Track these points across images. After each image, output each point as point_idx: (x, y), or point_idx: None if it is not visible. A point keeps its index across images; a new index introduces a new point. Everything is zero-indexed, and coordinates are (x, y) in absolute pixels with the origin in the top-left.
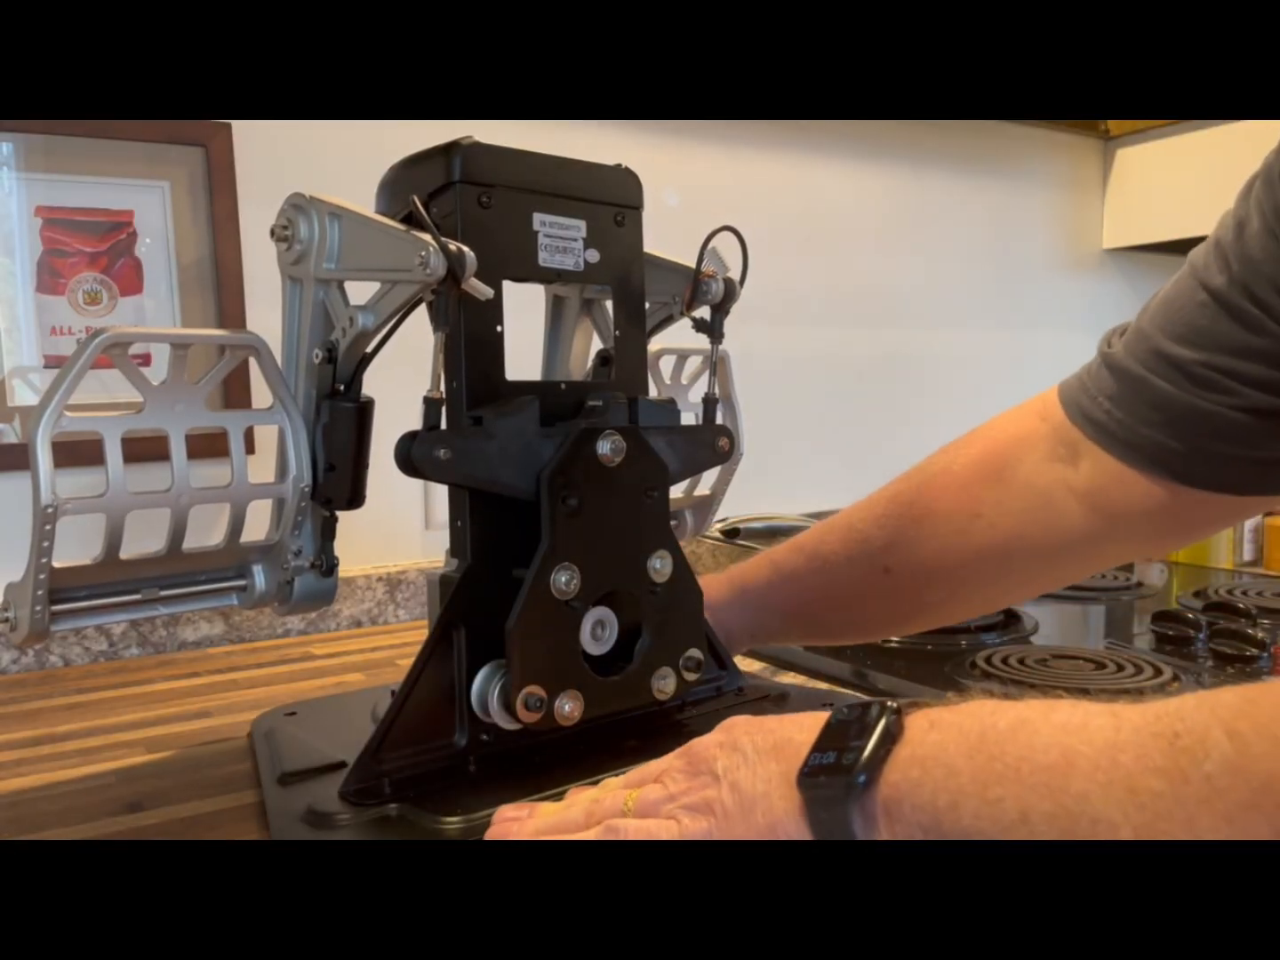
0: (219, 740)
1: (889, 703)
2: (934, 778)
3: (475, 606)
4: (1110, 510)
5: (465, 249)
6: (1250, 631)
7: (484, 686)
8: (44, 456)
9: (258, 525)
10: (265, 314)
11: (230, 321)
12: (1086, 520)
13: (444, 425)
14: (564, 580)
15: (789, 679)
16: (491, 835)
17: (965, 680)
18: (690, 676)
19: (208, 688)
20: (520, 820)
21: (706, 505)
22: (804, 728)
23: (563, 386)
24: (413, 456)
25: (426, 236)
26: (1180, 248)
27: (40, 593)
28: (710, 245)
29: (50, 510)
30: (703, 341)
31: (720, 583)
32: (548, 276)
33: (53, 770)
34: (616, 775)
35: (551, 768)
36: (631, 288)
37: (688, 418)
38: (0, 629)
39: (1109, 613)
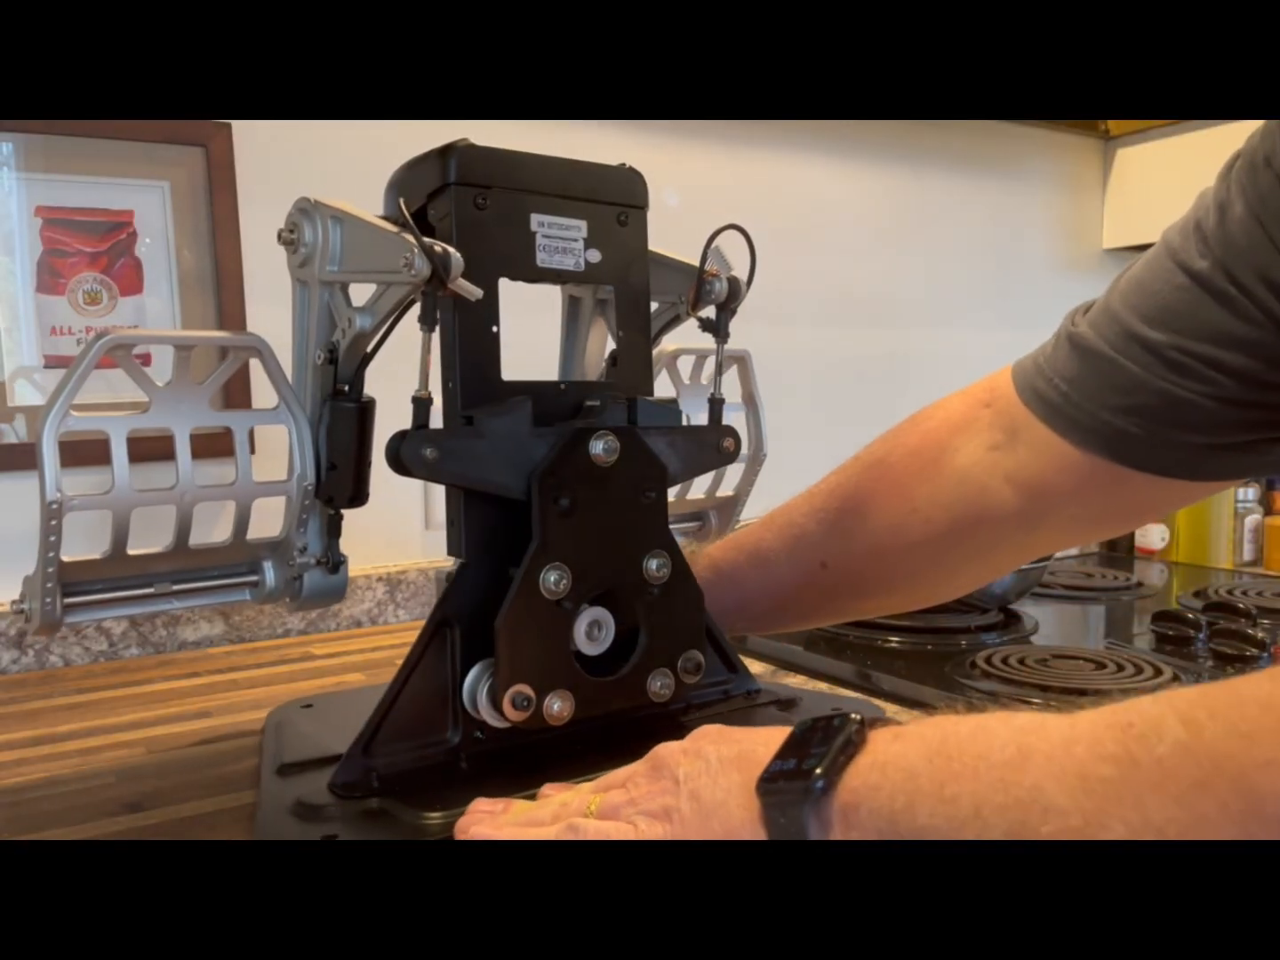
0: (219, 740)
1: (853, 714)
2: (892, 781)
3: (468, 604)
4: (1047, 495)
5: (451, 250)
6: (1250, 631)
7: (474, 684)
8: (50, 454)
9: (274, 523)
10: (265, 314)
11: (230, 321)
12: (1020, 506)
13: (442, 424)
14: (554, 580)
15: (792, 680)
16: (462, 825)
17: (965, 680)
18: (689, 679)
19: (208, 688)
20: (493, 814)
21: (731, 505)
22: (769, 741)
23: (562, 386)
24: (400, 455)
25: (410, 238)
26: None
27: (50, 585)
28: (714, 244)
29: (55, 506)
30: (754, 340)
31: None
32: (547, 277)
33: (53, 770)
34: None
35: (544, 767)
36: (634, 287)
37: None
38: (16, 619)
39: (1109, 613)
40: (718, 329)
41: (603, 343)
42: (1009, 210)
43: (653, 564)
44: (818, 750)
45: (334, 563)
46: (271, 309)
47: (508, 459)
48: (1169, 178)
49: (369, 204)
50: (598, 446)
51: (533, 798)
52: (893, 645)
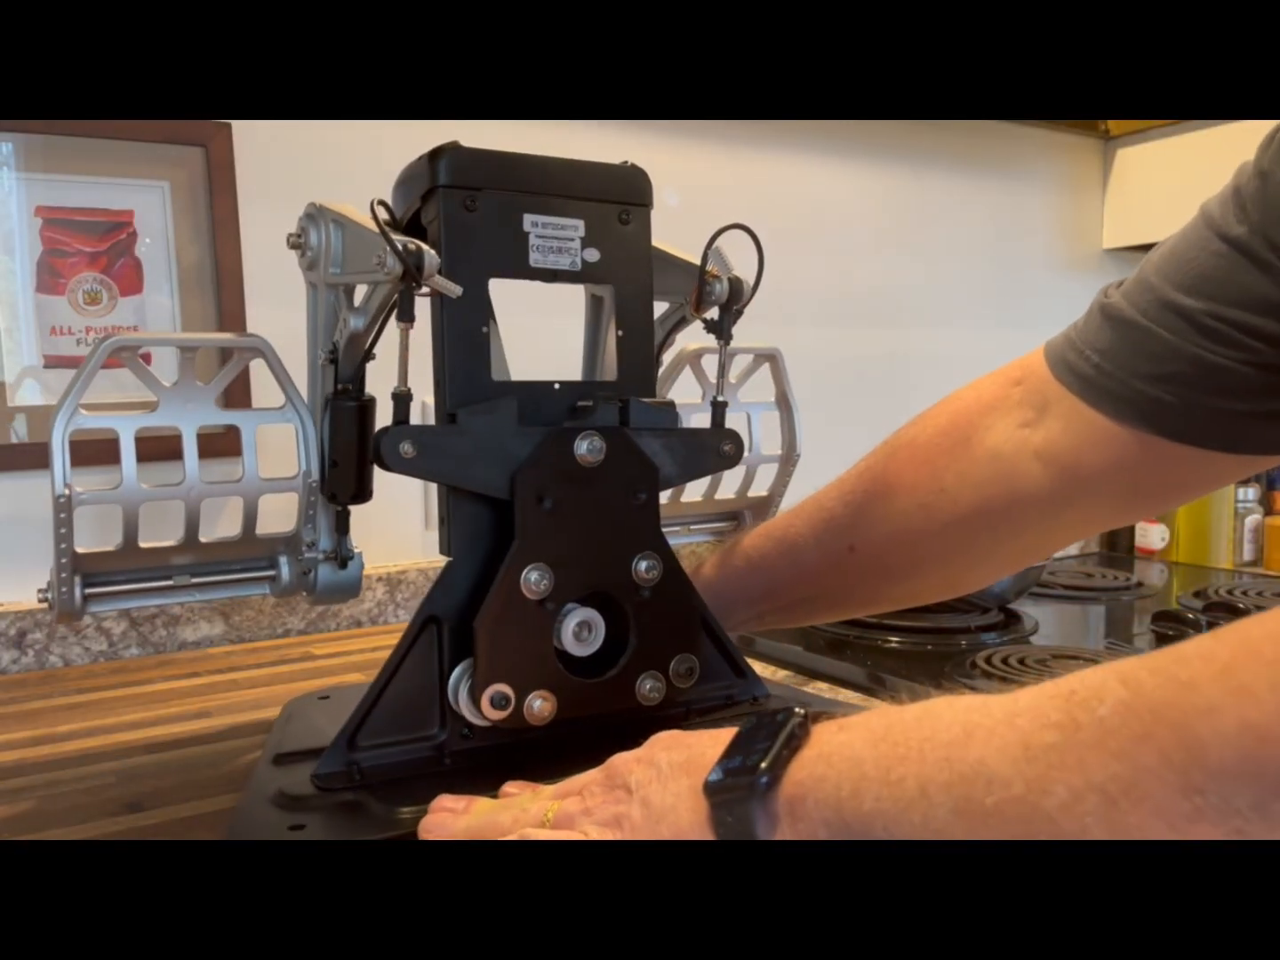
0: (219, 740)
1: (796, 709)
2: (838, 770)
3: (455, 602)
4: (1078, 472)
5: (424, 248)
6: None
7: (457, 682)
8: (59, 450)
9: (290, 520)
10: (265, 314)
11: (230, 321)
12: (1051, 483)
13: (430, 421)
14: (535, 579)
15: (792, 680)
16: (424, 823)
17: (965, 680)
18: (682, 683)
19: (208, 688)
20: (455, 813)
21: (765, 506)
22: (719, 742)
23: (556, 386)
24: (380, 450)
25: (384, 237)
26: None
27: (64, 575)
28: (715, 245)
29: (63, 499)
30: (753, 339)
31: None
32: (540, 276)
33: (53, 770)
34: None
35: (529, 767)
36: (636, 287)
37: (738, 419)
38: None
39: (1109, 613)
40: (720, 330)
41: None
42: (1009, 210)
43: (642, 565)
44: (761, 746)
45: (343, 558)
46: (271, 309)
47: (491, 457)
48: (1169, 178)
49: (367, 203)
50: (582, 446)
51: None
52: (893, 645)
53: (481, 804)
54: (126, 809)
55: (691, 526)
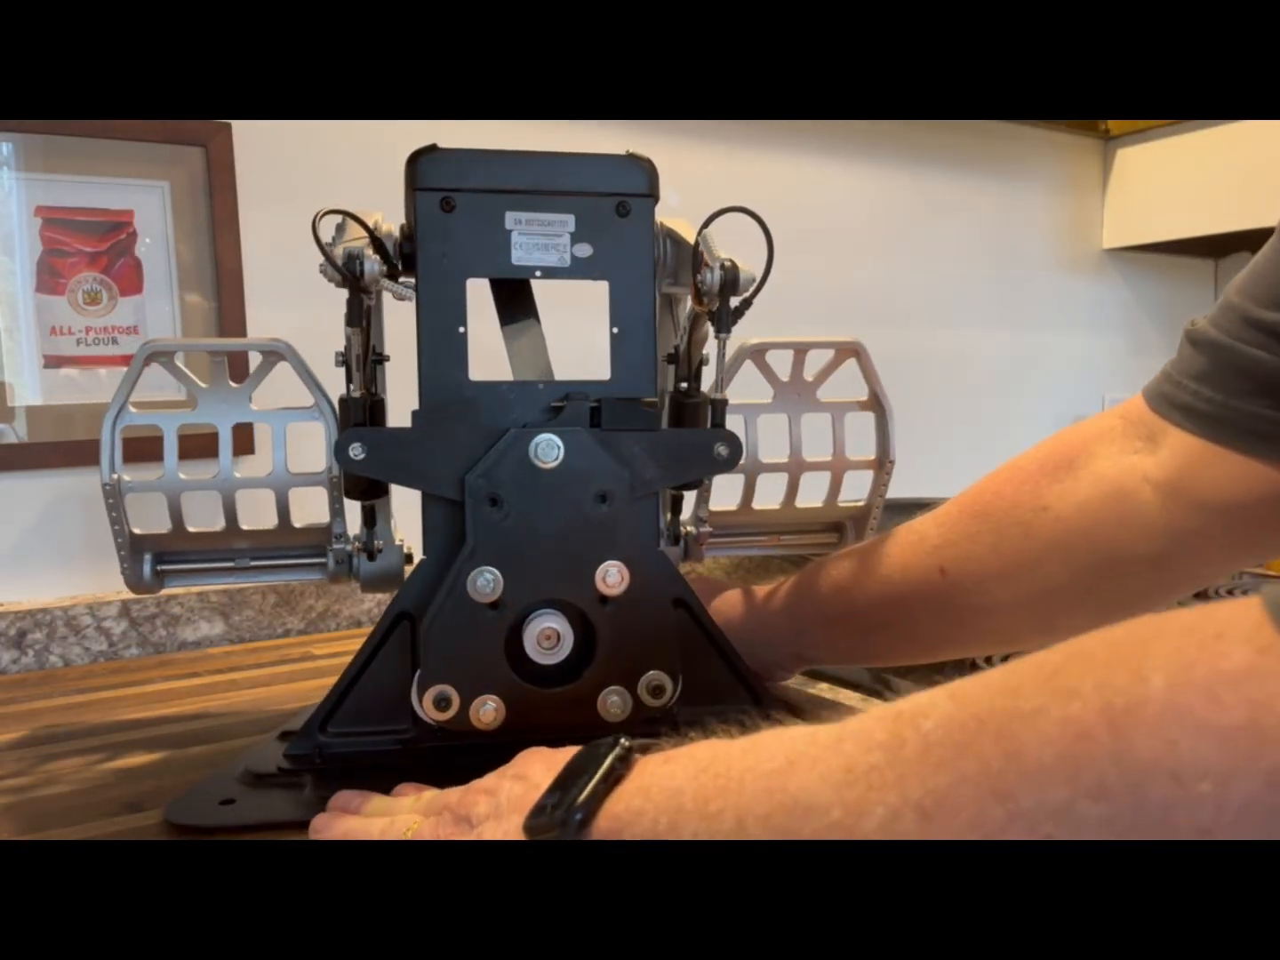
0: (219, 740)
1: (623, 740)
2: (655, 803)
3: (425, 600)
4: (1194, 497)
5: (367, 256)
6: None
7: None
8: (108, 444)
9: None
10: (265, 314)
11: (230, 321)
12: (1166, 512)
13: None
14: (483, 583)
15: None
16: (315, 820)
17: None
18: (652, 701)
19: (208, 688)
20: (343, 814)
21: (862, 517)
22: (555, 769)
23: (541, 386)
24: (335, 453)
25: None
26: (1180, 248)
27: (124, 554)
28: (704, 231)
29: (109, 487)
30: (807, 328)
31: (764, 593)
32: (524, 274)
33: (53, 770)
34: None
35: (483, 772)
36: (635, 282)
37: (820, 420)
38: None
39: None
40: (718, 321)
41: (667, 340)
42: (1009, 210)
43: (607, 575)
44: (582, 780)
45: (370, 550)
46: (271, 309)
47: (443, 458)
48: (1169, 178)
49: (368, 204)
50: (537, 449)
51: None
52: None
53: (373, 804)
54: (126, 809)
55: (782, 538)
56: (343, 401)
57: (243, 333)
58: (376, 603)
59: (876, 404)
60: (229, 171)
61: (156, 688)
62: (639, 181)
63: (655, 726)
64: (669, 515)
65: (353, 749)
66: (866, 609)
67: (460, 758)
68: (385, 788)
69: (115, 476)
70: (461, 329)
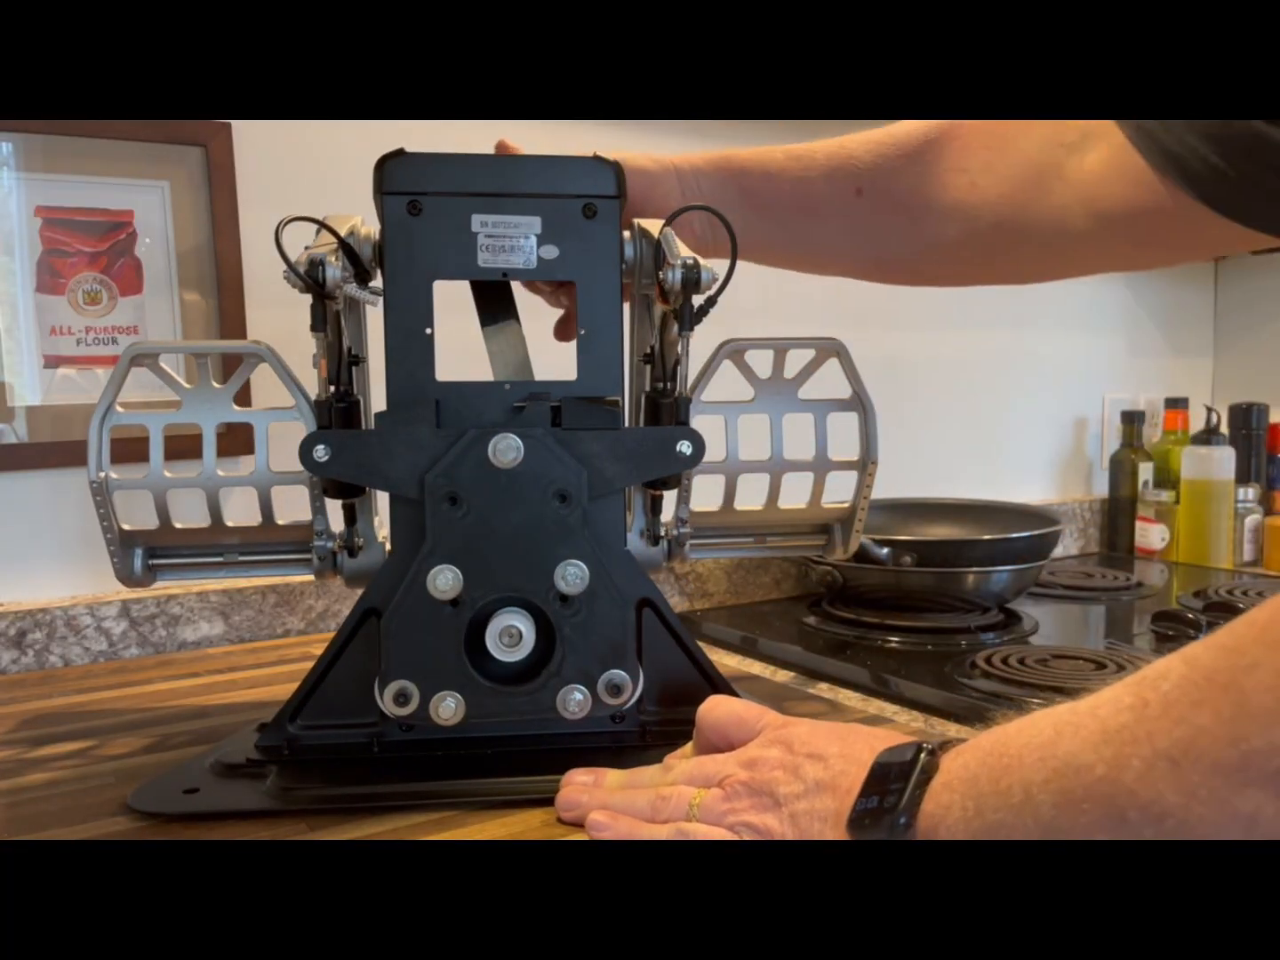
0: (219, 740)
1: (925, 744)
2: (959, 794)
3: (392, 597)
4: (1103, 205)
5: (328, 263)
6: None
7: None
8: (94, 442)
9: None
10: (265, 314)
11: (230, 321)
12: (1073, 208)
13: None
14: (442, 581)
15: (791, 679)
16: (561, 797)
17: (965, 680)
18: (610, 700)
19: (208, 688)
20: (589, 789)
21: (848, 518)
22: (855, 761)
23: (507, 387)
24: (300, 454)
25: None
26: None
27: (113, 548)
28: (666, 230)
29: (95, 485)
30: (807, 329)
31: (706, 157)
32: (490, 275)
33: (53, 770)
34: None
35: (449, 771)
36: (601, 283)
37: (802, 419)
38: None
39: (1109, 613)
40: (680, 319)
41: (638, 341)
42: None
43: (566, 574)
44: (896, 786)
45: (352, 547)
46: (271, 309)
47: (406, 459)
48: None
49: (367, 203)
50: (495, 449)
51: (422, 797)
52: (893, 645)
53: (611, 778)
54: (127, 809)
55: (768, 540)
56: (317, 403)
57: (242, 332)
58: None
59: (858, 403)
60: (229, 171)
61: (156, 688)
62: (605, 183)
63: (617, 724)
64: (649, 516)
65: (320, 741)
66: (789, 205)
67: (424, 751)
68: (347, 777)
69: (102, 475)
70: (428, 330)
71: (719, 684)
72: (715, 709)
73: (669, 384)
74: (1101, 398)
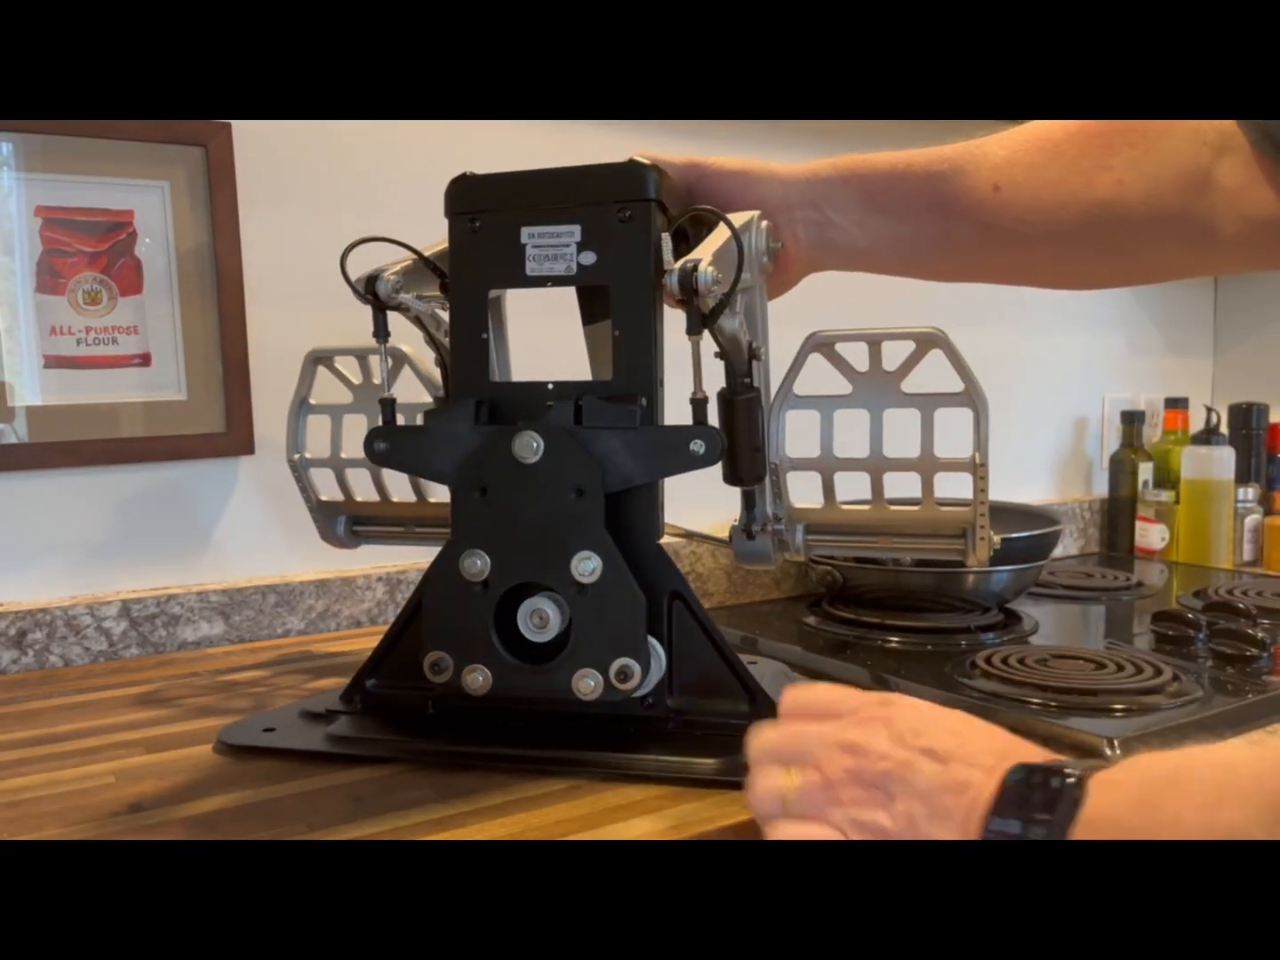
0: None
1: (1068, 771)
2: (1105, 837)
3: None
4: (1246, 208)
5: (384, 277)
6: (1250, 631)
7: None
8: (290, 429)
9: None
10: (265, 313)
11: (230, 321)
12: (1224, 215)
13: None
14: (469, 563)
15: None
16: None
17: (965, 680)
18: (621, 685)
19: (207, 688)
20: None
21: (972, 523)
22: (978, 765)
23: (550, 387)
24: (365, 448)
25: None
26: None
27: (316, 515)
28: (664, 235)
29: (293, 463)
30: (807, 329)
31: (825, 162)
32: (537, 284)
33: (53, 770)
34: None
35: (492, 737)
36: (635, 284)
37: (905, 415)
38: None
39: (1109, 612)
40: (689, 324)
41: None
42: None
43: (581, 563)
44: (1042, 816)
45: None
46: (271, 309)
47: (448, 453)
48: None
49: (368, 203)
50: (518, 444)
51: (464, 757)
52: (893, 645)
53: (765, 738)
54: (127, 809)
55: (896, 541)
56: (381, 402)
57: (242, 332)
58: (376, 602)
59: (969, 398)
60: (229, 171)
61: (156, 687)
62: (639, 187)
63: (646, 709)
64: (744, 511)
65: (386, 697)
66: (907, 196)
67: (483, 720)
68: (397, 730)
69: (296, 456)
70: (484, 335)
71: (743, 675)
72: (808, 691)
73: (744, 379)
74: (1101, 397)
